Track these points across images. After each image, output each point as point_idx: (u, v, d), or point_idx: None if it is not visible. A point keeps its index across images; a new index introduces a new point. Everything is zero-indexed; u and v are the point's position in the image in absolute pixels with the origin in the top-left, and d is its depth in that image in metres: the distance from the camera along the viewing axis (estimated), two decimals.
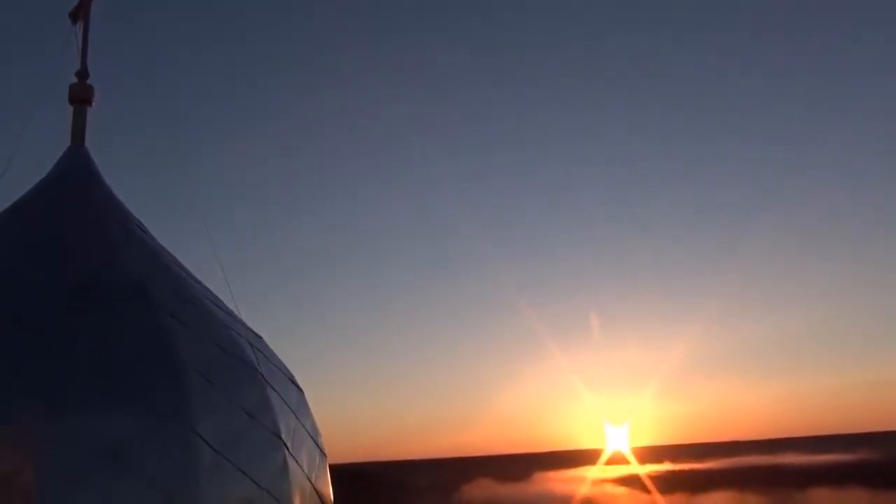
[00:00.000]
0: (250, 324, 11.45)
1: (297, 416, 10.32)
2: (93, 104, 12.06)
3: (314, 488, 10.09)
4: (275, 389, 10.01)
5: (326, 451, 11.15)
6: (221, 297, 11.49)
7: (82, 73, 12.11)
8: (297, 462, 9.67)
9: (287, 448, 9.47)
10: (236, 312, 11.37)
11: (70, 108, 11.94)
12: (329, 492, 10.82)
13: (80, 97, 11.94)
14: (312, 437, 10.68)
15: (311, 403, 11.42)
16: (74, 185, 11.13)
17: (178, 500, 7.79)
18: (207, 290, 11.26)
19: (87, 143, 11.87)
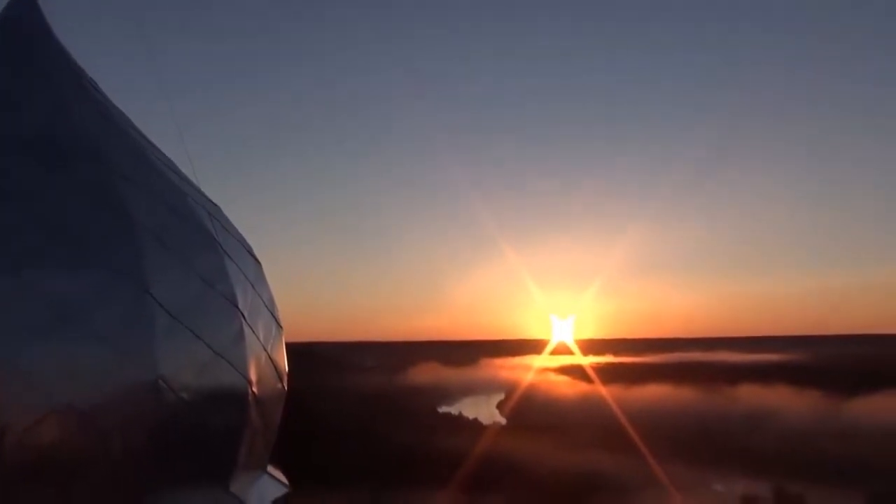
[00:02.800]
0: (208, 193, 11.19)
1: (254, 287, 10.26)
2: None
3: (270, 358, 10.16)
4: (232, 259, 9.88)
5: (283, 324, 11.19)
6: (179, 164, 11.15)
7: None
8: (253, 331, 9.67)
9: (244, 317, 9.44)
10: (194, 180, 11.06)
11: None
12: (284, 362, 10.91)
13: None
14: (269, 309, 10.66)
15: (268, 277, 11.37)
16: (22, 33, 10.47)
17: (133, 360, 7.75)
18: (163, 155, 10.89)
19: None
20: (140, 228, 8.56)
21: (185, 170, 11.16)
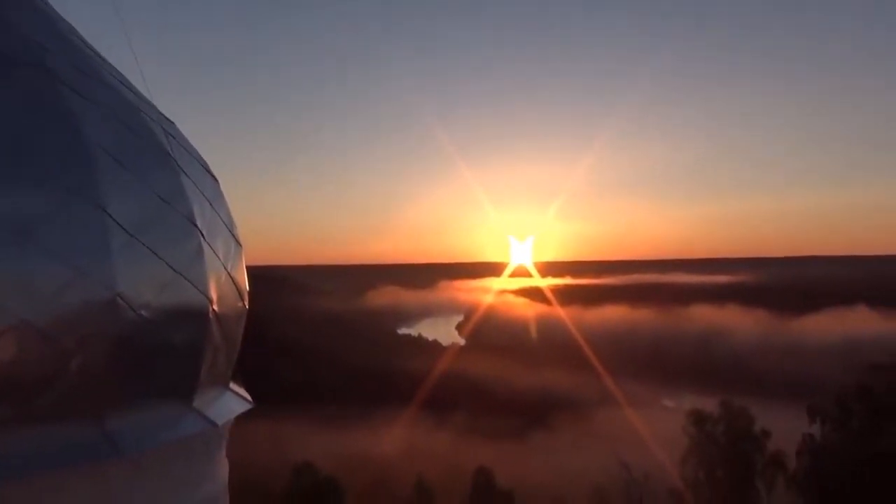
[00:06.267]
0: (162, 109, 10.87)
1: (212, 205, 10.10)
2: None
3: (230, 276, 10.10)
4: (189, 176, 9.68)
5: (242, 242, 11.08)
6: (131, 79, 10.78)
7: None
8: (212, 249, 9.57)
9: (202, 235, 9.32)
10: (147, 96, 10.72)
11: None
12: (244, 281, 10.86)
13: None
14: (228, 227, 10.54)
15: (226, 194, 11.19)
16: None
17: (91, 278, 7.63)
18: (115, 69, 10.50)
19: None
20: (92, 144, 8.30)
21: (139, 85, 10.81)
